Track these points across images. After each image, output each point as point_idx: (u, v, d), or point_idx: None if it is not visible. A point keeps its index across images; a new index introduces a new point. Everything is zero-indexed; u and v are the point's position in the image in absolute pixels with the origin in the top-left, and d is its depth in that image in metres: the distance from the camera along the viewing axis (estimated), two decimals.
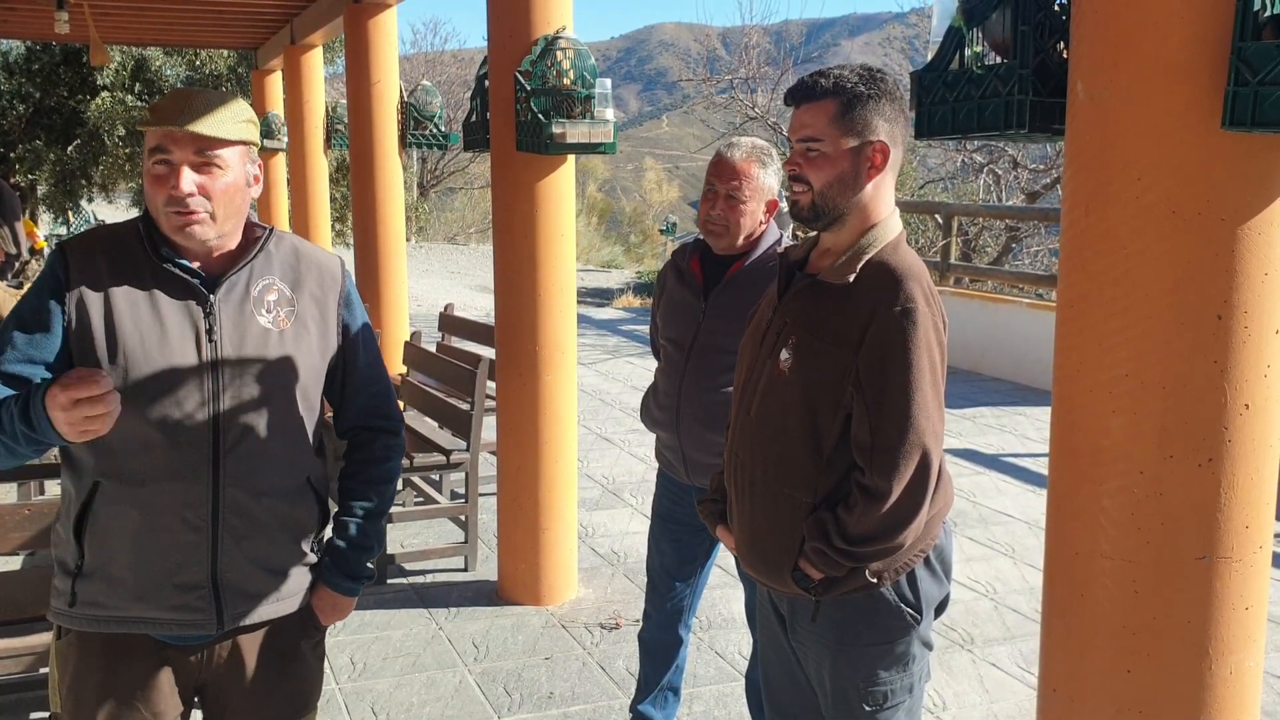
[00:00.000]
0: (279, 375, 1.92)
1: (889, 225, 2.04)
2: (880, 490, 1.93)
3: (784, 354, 2.03)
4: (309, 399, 1.97)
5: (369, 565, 2.13)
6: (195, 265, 1.88)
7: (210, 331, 1.86)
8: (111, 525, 1.84)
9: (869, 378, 1.94)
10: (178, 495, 1.84)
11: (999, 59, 2.15)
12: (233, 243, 1.92)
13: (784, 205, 2.12)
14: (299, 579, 2.00)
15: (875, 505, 1.93)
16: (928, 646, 2.13)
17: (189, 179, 1.80)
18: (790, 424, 2.02)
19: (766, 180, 2.83)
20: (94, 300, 1.82)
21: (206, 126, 1.79)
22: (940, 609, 2.14)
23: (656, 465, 3.15)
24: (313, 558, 2.03)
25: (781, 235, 2.93)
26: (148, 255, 1.86)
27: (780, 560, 2.06)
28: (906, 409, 1.91)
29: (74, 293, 1.82)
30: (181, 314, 1.85)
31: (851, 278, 1.99)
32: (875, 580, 2.01)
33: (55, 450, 1.87)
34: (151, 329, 1.82)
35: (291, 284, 1.96)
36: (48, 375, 1.79)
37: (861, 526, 1.94)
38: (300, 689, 2.07)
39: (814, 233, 2.14)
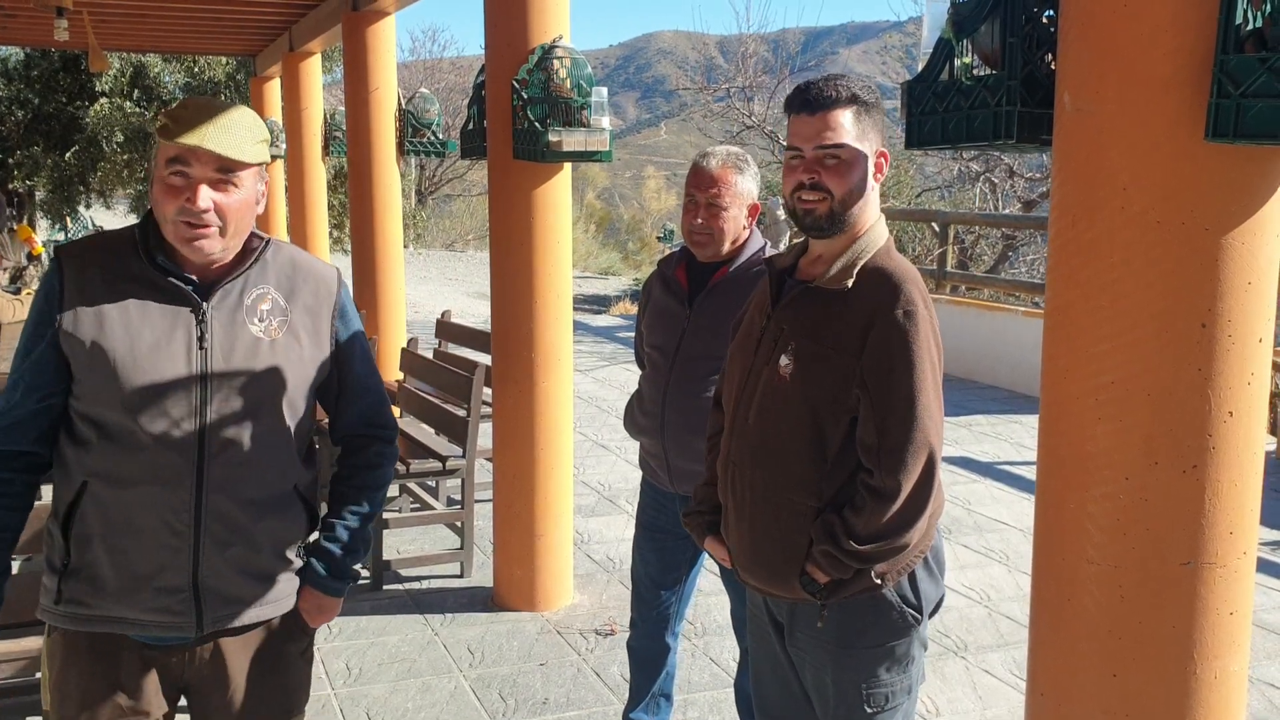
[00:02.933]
0: (268, 384, 1.92)
1: (878, 231, 2.08)
2: (890, 490, 1.95)
3: (784, 360, 2.05)
4: (297, 408, 1.98)
5: (355, 568, 2.13)
6: (189, 274, 1.89)
7: (201, 339, 1.87)
8: (96, 525, 1.86)
9: (875, 380, 1.96)
10: (161, 500, 1.85)
11: (988, 70, 2.18)
12: (231, 255, 1.93)
13: (780, 214, 2.15)
14: (284, 584, 2.01)
15: (884, 505, 1.95)
16: (925, 647, 2.16)
17: (206, 195, 1.81)
18: (793, 430, 2.04)
19: (745, 185, 2.86)
20: (87, 306, 1.84)
21: (230, 148, 1.80)
22: (935, 609, 2.16)
23: None
24: (298, 563, 2.04)
25: (765, 244, 2.96)
26: (142, 262, 1.88)
27: (786, 567, 2.07)
28: (913, 408, 1.94)
29: (68, 300, 1.85)
30: (173, 321, 1.87)
31: (850, 283, 2.02)
32: (880, 581, 2.03)
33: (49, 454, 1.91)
34: (142, 335, 1.84)
35: (286, 294, 1.97)
36: (58, 397, 1.88)
37: (870, 527, 1.97)
38: (285, 694, 2.07)
39: (797, 240, 2.15)
